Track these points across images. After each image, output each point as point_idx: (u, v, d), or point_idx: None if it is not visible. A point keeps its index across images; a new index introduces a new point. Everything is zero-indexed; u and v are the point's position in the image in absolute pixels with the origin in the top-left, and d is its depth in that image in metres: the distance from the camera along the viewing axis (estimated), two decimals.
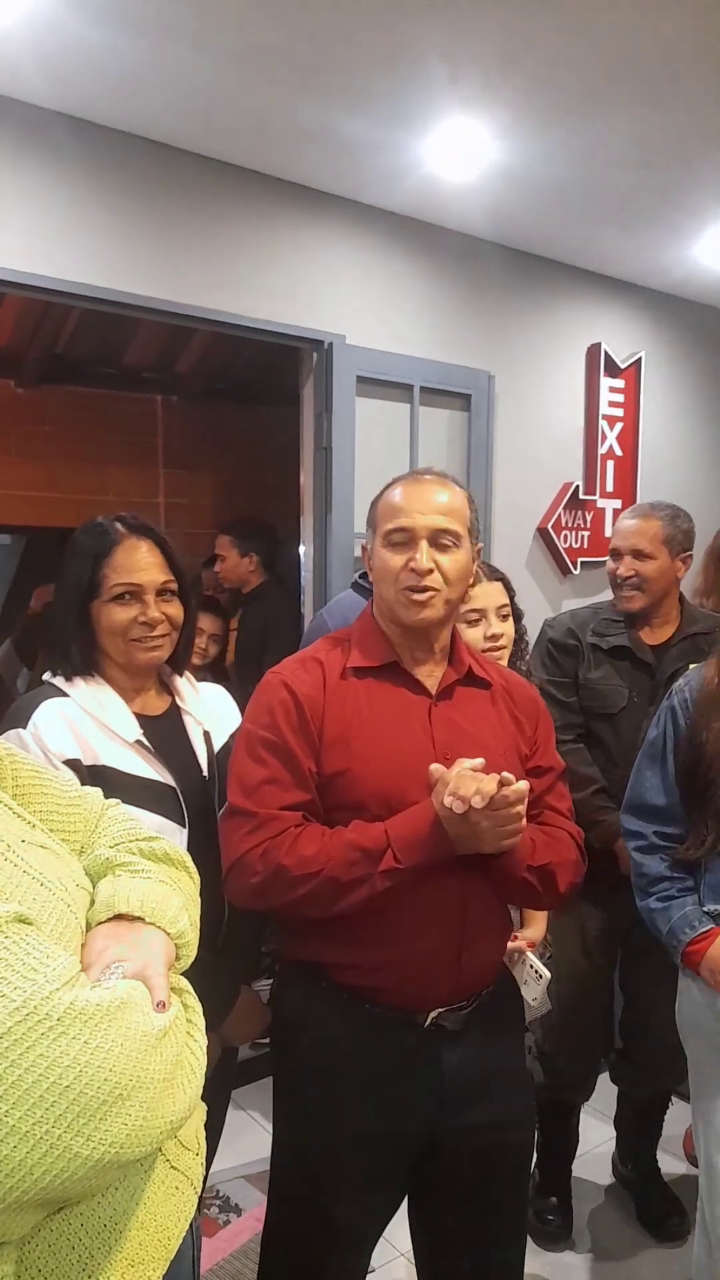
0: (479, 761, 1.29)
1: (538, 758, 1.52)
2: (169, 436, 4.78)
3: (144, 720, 1.52)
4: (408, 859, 1.29)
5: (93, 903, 0.91)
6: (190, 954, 0.94)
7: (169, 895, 0.94)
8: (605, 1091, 2.36)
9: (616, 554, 2.27)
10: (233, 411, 4.84)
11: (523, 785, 1.27)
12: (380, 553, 1.42)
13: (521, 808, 1.29)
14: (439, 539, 1.40)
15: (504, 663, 1.84)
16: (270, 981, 1.60)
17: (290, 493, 3.23)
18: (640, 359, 3.80)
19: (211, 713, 1.65)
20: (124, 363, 4.39)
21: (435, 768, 1.32)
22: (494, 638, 1.84)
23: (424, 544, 1.39)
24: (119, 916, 0.89)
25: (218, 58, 2.13)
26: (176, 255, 2.63)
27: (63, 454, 4.49)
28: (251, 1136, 2.54)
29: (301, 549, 3.10)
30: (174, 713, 1.61)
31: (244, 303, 2.76)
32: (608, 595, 2.37)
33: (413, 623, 1.41)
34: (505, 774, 1.26)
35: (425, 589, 1.39)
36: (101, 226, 2.49)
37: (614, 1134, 2.49)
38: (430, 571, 1.39)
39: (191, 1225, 0.92)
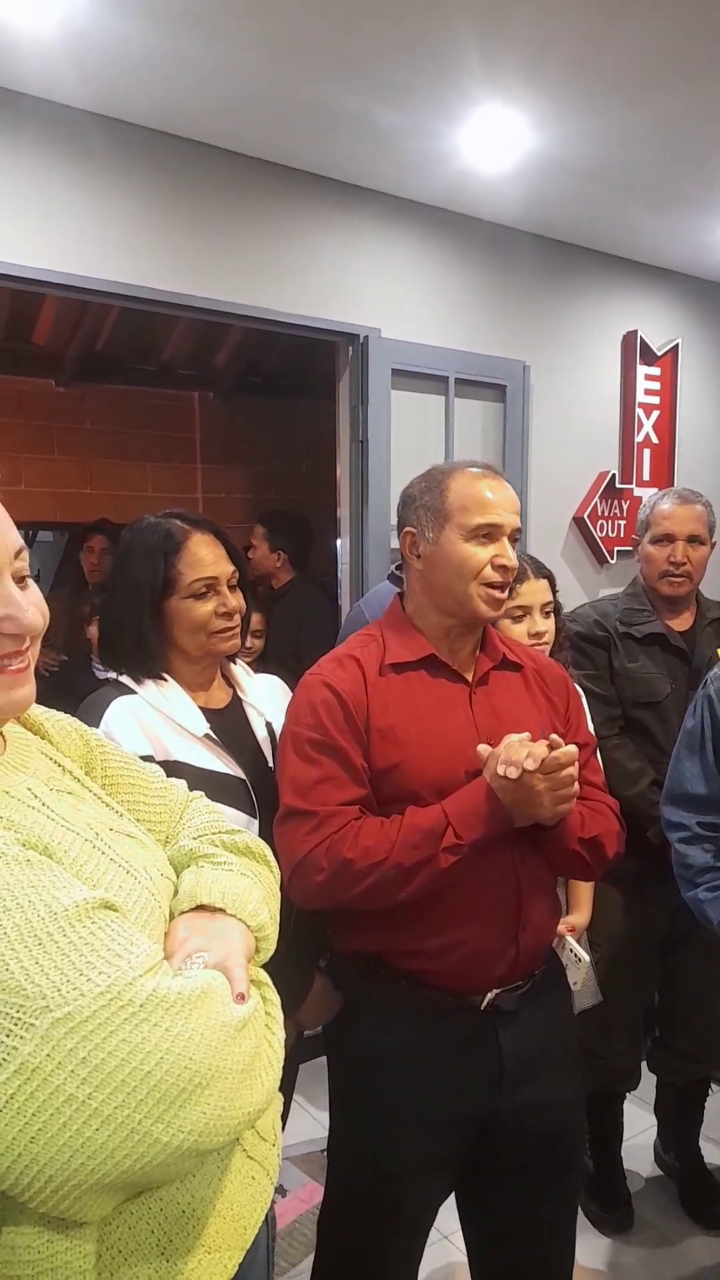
0: (525, 734, 1.33)
1: (572, 734, 1.54)
2: (205, 432, 4.83)
3: (209, 714, 1.55)
4: (468, 834, 1.31)
5: (176, 893, 0.92)
6: (270, 947, 0.94)
7: (250, 888, 0.95)
8: (644, 1079, 2.36)
9: (669, 539, 2.21)
10: (267, 405, 4.87)
11: (572, 748, 1.31)
12: (459, 545, 1.41)
13: (574, 769, 1.32)
14: (513, 536, 1.45)
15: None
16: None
17: (324, 484, 3.25)
18: (677, 346, 3.76)
19: (270, 702, 1.68)
20: (161, 359, 4.44)
21: (482, 748, 1.35)
22: (537, 635, 1.86)
23: (505, 541, 1.42)
24: (201, 907, 0.89)
25: (249, 51, 2.14)
26: (212, 252, 2.65)
27: (101, 451, 4.55)
28: (296, 1120, 2.58)
29: (338, 541, 3.12)
30: (236, 705, 1.64)
31: (280, 298, 2.78)
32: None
33: (488, 617, 1.44)
34: (554, 736, 1.30)
35: (506, 585, 1.43)
36: (137, 225, 2.52)
37: (654, 1121, 2.49)
38: (514, 569, 1.43)
39: (266, 1215, 0.93)
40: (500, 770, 1.29)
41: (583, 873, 1.61)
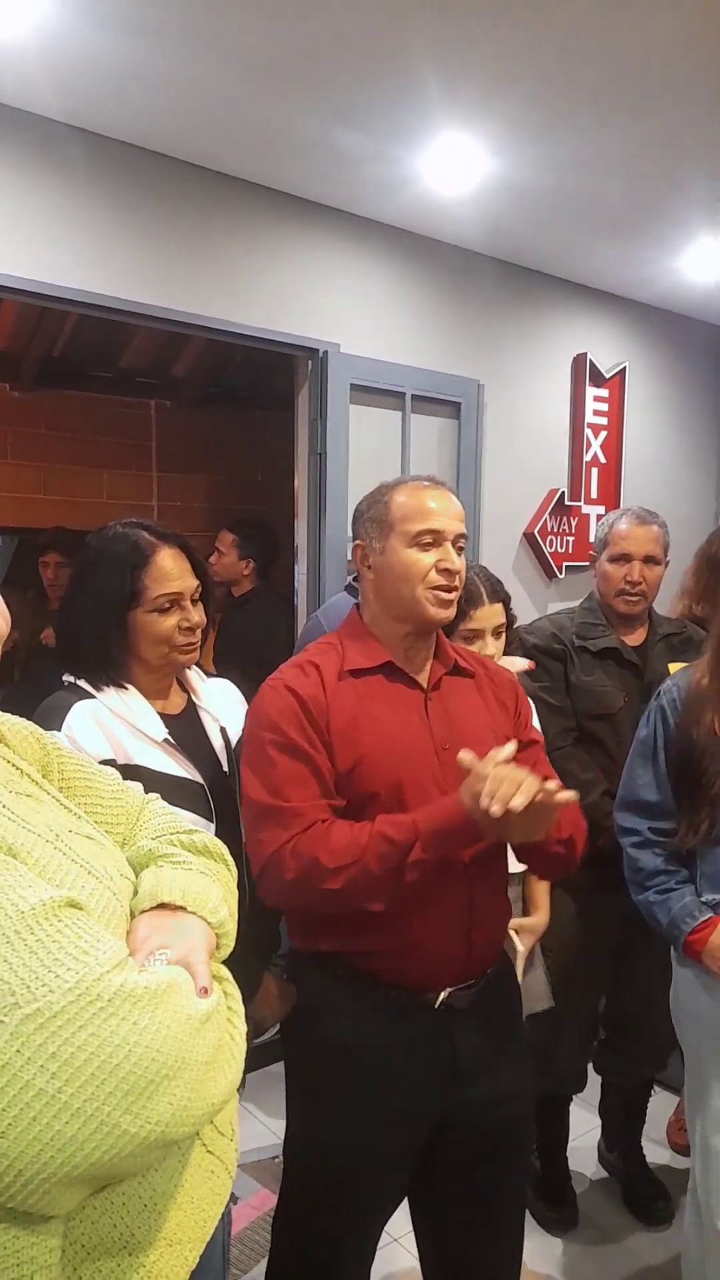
0: (509, 750, 1.30)
1: (522, 732, 1.59)
2: (162, 440, 4.82)
3: (166, 719, 1.57)
4: (434, 852, 1.32)
5: (136, 892, 0.94)
6: (229, 944, 0.96)
7: (210, 886, 0.96)
8: (590, 1081, 2.42)
9: (625, 559, 2.27)
10: (225, 415, 4.88)
11: (569, 794, 1.29)
12: (404, 552, 1.46)
13: (554, 802, 1.30)
14: (457, 542, 1.49)
15: None
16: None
17: (280, 495, 3.28)
18: (624, 369, 3.88)
19: (224, 707, 1.70)
20: (120, 367, 4.43)
21: (465, 756, 1.31)
22: (487, 656, 1.91)
23: (449, 546, 1.47)
24: (162, 905, 0.91)
25: (218, 70, 2.18)
26: (177, 263, 2.68)
27: (58, 457, 4.51)
28: (247, 1127, 2.59)
29: (295, 552, 3.15)
30: (192, 710, 1.66)
31: (242, 311, 2.81)
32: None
33: (437, 619, 1.47)
34: (550, 784, 1.27)
35: (453, 589, 1.47)
36: (103, 234, 2.53)
37: (598, 1123, 2.56)
38: (459, 572, 1.47)
39: (223, 1210, 0.95)
40: (483, 804, 1.24)
41: (561, 871, 1.58)
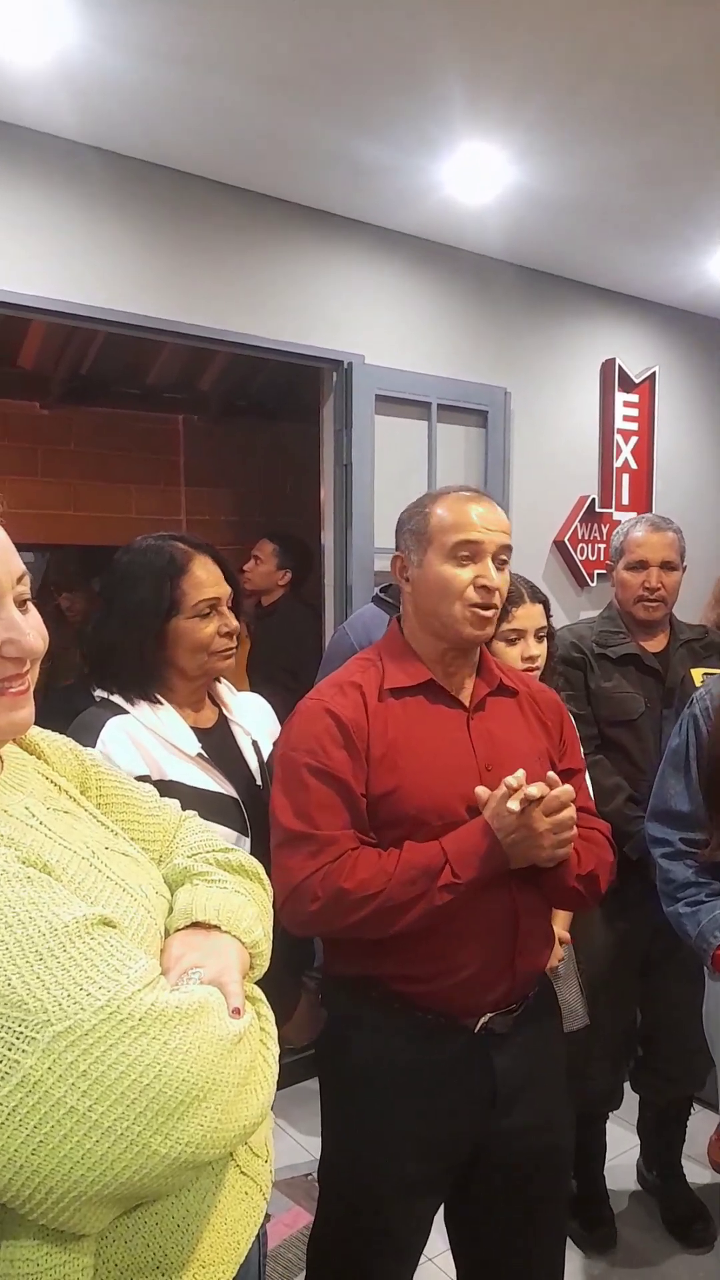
0: (520, 774, 1.33)
1: (566, 760, 1.57)
2: (190, 454, 4.86)
3: (199, 733, 1.57)
4: (465, 873, 1.32)
5: (171, 910, 0.94)
6: (263, 964, 0.95)
7: (244, 905, 0.96)
8: (627, 1099, 2.38)
9: (642, 565, 2.27)
10: (250, 428, 4.91)
11: (569, 787, 1.33)
12: (440, 567, 1.42)
13: (573, 810, 1.34)
14: (500, 555, 1.44)
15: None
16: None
17: (307, 507, 3.28)
18: (654, 374, 3.84)
19: (255, 721, 1.70)
20: (147, 382, 4.47)
21: (480, 790, 1.35)
22: (531, 659, 1.88)
23: (488, 561, 1.41)
24: (196, 924, 0.91)
25: (239, 86, 2.20)
26: (202, 280, 2.70)
27: (86, 473, 4.56)
28: (280, 1144, 2.57)
29: (323, 563, 3.15)
30: (224, 724, 1.66)
31: (267, 325, 2.83)
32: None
33: (475, 638, 1.43)
34: (551, 775, 1.33)
35: (492, 606, 1.42)
36: (128, 253, 2.56)
37: (637, 1141, 2.51)
38: (499, 589, 1.42)
39: (258, 1231, 0.94)
40: (489, 815, 1.32)
41: (579, 906, 1.61)
